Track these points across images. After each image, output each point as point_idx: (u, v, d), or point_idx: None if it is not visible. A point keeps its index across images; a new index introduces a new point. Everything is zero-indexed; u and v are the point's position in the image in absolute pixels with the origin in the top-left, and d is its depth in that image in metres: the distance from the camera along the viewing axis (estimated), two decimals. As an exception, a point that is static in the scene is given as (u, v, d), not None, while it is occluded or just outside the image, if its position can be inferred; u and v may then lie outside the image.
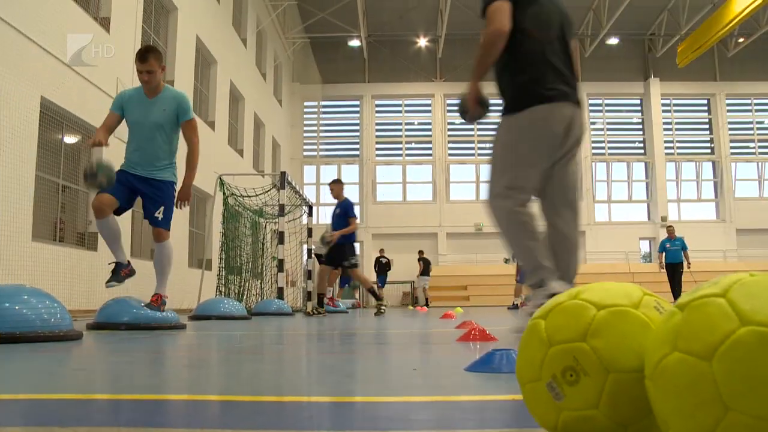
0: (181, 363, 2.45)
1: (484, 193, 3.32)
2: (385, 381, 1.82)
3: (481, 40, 3.34)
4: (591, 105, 27.81)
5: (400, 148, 27.61)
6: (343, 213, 9.22)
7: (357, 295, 21.93)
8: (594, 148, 27.48)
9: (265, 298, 12.82)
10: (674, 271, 14.03)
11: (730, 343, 0.60)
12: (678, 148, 27.75)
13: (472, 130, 27.82)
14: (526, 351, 0.82)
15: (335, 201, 9.73)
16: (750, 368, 0.58)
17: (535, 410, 0.82)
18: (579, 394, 0.75)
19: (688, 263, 13.96)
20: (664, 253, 14.29)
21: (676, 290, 13.71)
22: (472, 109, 3.44)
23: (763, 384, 0.58)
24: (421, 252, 22.06)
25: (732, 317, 0.61)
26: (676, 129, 27.91)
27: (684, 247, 14.07)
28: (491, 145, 3.44)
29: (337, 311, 11.61)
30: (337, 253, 9.11)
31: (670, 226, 14.75)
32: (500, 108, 3.43)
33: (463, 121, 3.92)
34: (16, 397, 1.43)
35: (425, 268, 21.50)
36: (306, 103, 27.53)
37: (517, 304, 14.37)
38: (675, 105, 28.00)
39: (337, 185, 9.74)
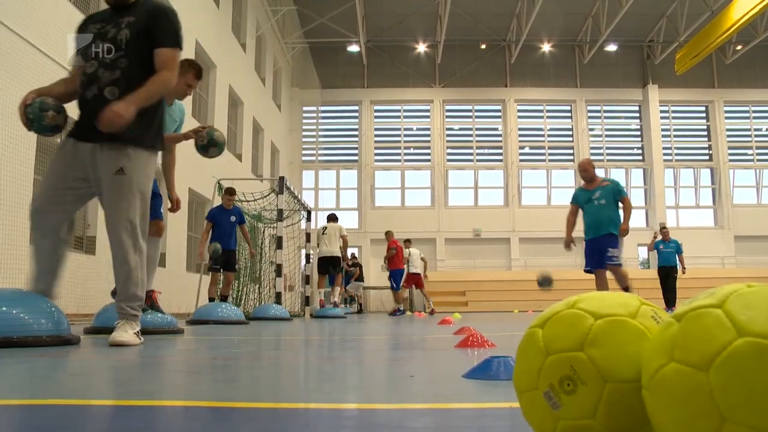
0: (179, 368, 2.45)
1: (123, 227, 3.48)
2: (382, 387, 1.82)
3: (161, 78, 3.45)
4: (589, 111, 27.90)
5: (399, 154, 27.65)
6: (240, 220, 9.78)
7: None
8: (592, 154, 27.53)
9: (263, 302, 12.81)
10: (667, 276, 13.39)
11: (726, 354, 0.60)
12: (676, 154, 27.82)
13: (470, 136, 27.87)
14: (524, 360, 0.82)
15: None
16: (747, 379, 0.59)
17: (532, 419, 0.82)
18: (576, 403, 0.75)
19: (683, 268, 13.35)
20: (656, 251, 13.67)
21: (669, 297, 12.99)
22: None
23: (760, 395, 0.58)
24: (353, 257, 21.89)
25: (729, 328, 0.61)
26: (675, 135, 27.98)
27: (679, 251, 13.42)
28: (127, 177, 3.49)
29: (336, 316, 11.60)
30: (232, 258, 9.65)
31: (663, 228, 14.09)
32: (135, 136, 3.46)
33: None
34: (13, 402, 1.43)
35: (360, 273, 21.48)
36: (305, 108, 27.58)
37: (401, 309, 14.22)
38: (673, 112, 28.09)
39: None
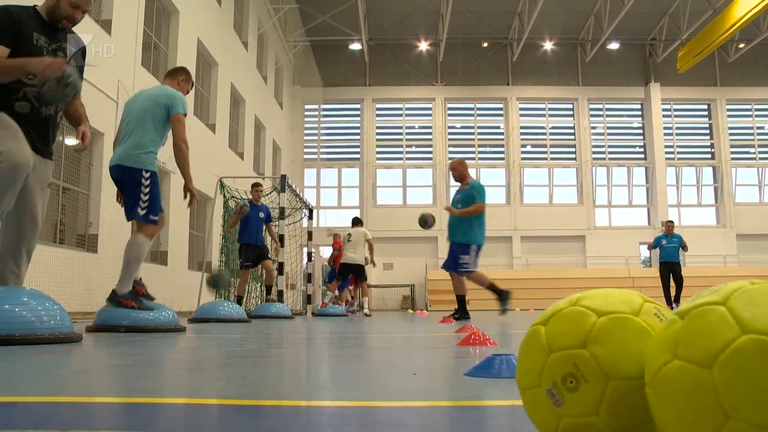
0: (181, 366, 2.45)
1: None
2: (385, 385, 1.82)
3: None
4: (591, 109, 27.88)
5: (401, 152, 27.65)
6: (267, 218, 10.11)
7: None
8: (594, 152, 27.52)
9: (264, 301, 12.81)
10: (671, 272, 12.98)
11: (730, 352, 0.60)
12: (678, 153, 27.80)
13: (472, 134, 27.86)
14: (527, 357, 0.82)
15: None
16: (750, 376, 0.58)
17: (535, 416, 0.82)
18: (579, 400, 0.75)
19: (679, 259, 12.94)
20: (658, 250, 13.21)
21: (676, 294, 12.72)
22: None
23: (763, 392, 0.58)
24: None
25: (732, 325, 0.61)
26: (677, 134, 27.96)
27: (682, 246, 12.99)
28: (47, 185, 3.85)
29: (337, 314, 11.60)
30: (264, 251, 10.02)
31: (669, 221, 13.55)
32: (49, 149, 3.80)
33: None
34: (15, 399, 1.43)
35: None
36: (307, 106, 27.58)
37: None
38: (675, 110, 28.06)
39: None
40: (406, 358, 2.88)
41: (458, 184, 8.13)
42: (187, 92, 5.22)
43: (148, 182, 4.74)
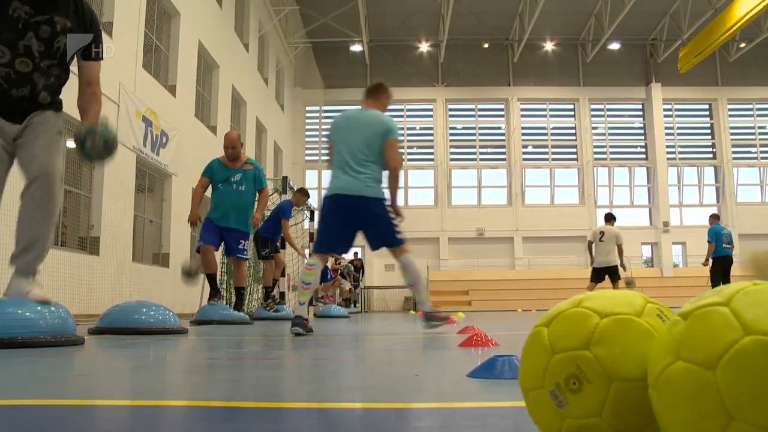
0: (184, 368, 2.45)
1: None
2: (387, 387, 1.82)
3: (99, 95, 3.47)
4: (593, 110, 27.87)
5: (402, 153, 27.62)
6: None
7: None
8: (596, 153, 27.49)
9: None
10: (725, 269, 11.58)
11: (733, 353, 0.60)
12: (680, 153, 27.77)
13: (473, 135, 27.86)
14: (530, 359, 0.82)
15: None
16: (753, 377, 0.58)
17: (538, 418, 0.82)
18: (582, 402, 0.75)
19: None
20: (714, 244, 11.60)
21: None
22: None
23: (767, 393, 0.58)
24: (355, 254, 21.71)
25: (735, 326, 0.61)
26: (678, 134, 27.93)
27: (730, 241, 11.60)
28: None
29: (339, 316, 11.59)
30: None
31: (713, 214, 12.23)
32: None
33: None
34: (18, 402, 1.43)
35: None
36: (308, 108, 27.59)
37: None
38: (677, 110, 28.04)
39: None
40: (408, 359, 2.88)
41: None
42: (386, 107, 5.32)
43: (390, 209, 4.96)
